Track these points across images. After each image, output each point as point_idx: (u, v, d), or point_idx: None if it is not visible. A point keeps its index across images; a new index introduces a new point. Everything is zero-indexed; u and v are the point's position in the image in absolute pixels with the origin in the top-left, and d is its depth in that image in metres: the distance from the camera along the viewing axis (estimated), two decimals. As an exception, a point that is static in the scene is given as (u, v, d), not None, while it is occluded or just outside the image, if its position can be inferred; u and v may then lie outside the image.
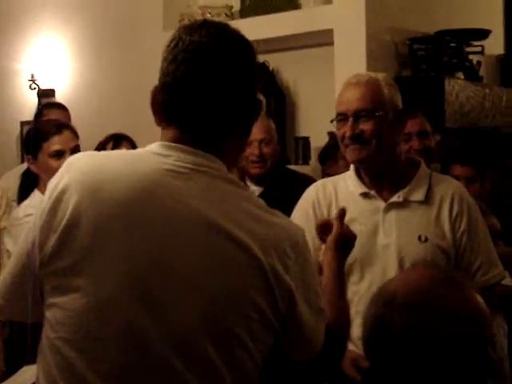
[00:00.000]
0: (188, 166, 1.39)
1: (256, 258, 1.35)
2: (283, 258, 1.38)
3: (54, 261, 1.37)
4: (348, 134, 2.19)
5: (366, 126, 2.18)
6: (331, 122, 2.28)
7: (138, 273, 1.33)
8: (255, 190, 3.48)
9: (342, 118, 2.22)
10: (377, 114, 2.18)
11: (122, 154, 1.54)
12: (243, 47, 1.43)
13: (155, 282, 1.33)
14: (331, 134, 3.26)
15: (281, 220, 1.45)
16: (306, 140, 4.26)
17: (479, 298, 1.45)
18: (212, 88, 1.40)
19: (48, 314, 1.39)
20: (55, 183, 1.41)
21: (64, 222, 1.36)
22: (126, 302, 1.33)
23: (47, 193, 1.42)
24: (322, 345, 1.50)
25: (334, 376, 2.08)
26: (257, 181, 3.48)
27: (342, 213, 1.87)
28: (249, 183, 3.52)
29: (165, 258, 1.34)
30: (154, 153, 1.42)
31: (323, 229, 1.90)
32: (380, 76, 2.26)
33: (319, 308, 1.49)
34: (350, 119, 2.19)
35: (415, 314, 1.40)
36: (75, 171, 1.41)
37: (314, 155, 4.24)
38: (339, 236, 1.83)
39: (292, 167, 3.98)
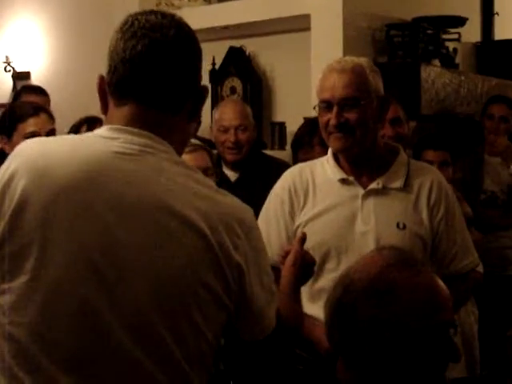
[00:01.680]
0: (135, 147, 1.41)
1: (204, 235, 1.36)
2: (232, 235, 1.40)
3: (3, 246, 1.37)
4: (333, 122, 2.16)
5: (351, 115, 2.15)
6: (314, 108, 2.26)
7: (88, 254, 1.34)
8: (231, 175, 3.49)
9: (325, 105, 2.19)
10: (362, 102, 2.15)
11: (70, 138, 1.57)
12: (192, 34, 1.49)
13: (105, 263, 1.34)
14: (305, 120, 3.25)
15: (229, 199, 1.46)
16: (282, 125, 4.26)
17: (438, 281, 1.46)
18: (169, 64, 1.44)
19: (0, 300, 1.39)
20: (4, 169, 1.42)
21: (12, 207, 1.37)
22: (77, 284, 1.34)
23: None
24: (273, 327, 1.51)
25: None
26: (233, 167, 3.48)
27: (303, 237, 1.85)
28: (225, 169, 3.52)
29: (113, 238, 1.35)
30: (101, 136, 1.44)
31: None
32: (364, 62, 2.22)
33: (271, 289, 1.51)
34: (335, 107, 2.15)
35: (374, 299, 1.42)
36: (23, 157, 1.42)
37: (290, 140, 4.24)
38: (297, 258, 1.80)
39: (268, 152, 3.98)
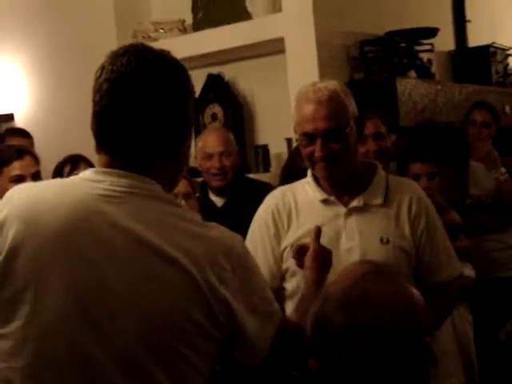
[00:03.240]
0: (121, 189, 1.44)
1: (190, 274, 1.40)
2: (218, 270, 1.43)
3: None
4: (319, 154, 2.16)
5: (336, 145, 2.16)
6: (296, 141, 2.28)
7: (78, 298, 1.37)
8: (218, 201, 3.54)
9: (308, 137, 2.18)
10: (346, 131, 2.16)
11: (57, 183, 1.60)
12: (166, 71, 1.47)
13: (95, 306, 1.37)
14: (291, 153, 3.28)
15: (215, 232, 1.49)
16: (265, 148, 4.30)
17: (412, 290, 1.49)
18: (136, 115, 1.44)
19: None
20: None
21: (4, 254, 1.40)
22: (68, 327, 1.37)
23: None
24: (268, 350, 1.53)
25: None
26: (219, 192, 3.53)
27: (318, 231, 1.93)
28: (211, 195, 3.56)
29: (102, 281, 1.38)
30: (87, 179, 1.47)
31: (300, 254, 1.98)
32: (337, 86, 2.21)
33: (267, 312, 1.53)
34: (319, 140, 2.16)
35: (348, 309, 1.45)
36: (12, 204, 1.45)
37: (273, 162, 4.29)
38: (317, 253, 1.91)
39: (253, 175, 4.03)
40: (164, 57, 1.49)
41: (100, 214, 1.41)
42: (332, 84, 2.22)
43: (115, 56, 1.47)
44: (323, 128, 2.15)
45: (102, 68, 1.47)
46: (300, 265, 2.02)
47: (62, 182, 1.60)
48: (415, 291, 1.50)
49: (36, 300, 1.38)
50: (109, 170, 1.46)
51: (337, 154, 2.18)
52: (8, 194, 1.50)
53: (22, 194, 1.48)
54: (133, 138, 1.45)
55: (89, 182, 1.46)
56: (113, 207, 1.42)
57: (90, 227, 1.40)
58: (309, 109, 2.18)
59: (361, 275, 1.50)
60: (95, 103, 1.47)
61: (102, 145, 1.48)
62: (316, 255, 1.90)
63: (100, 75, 1.46)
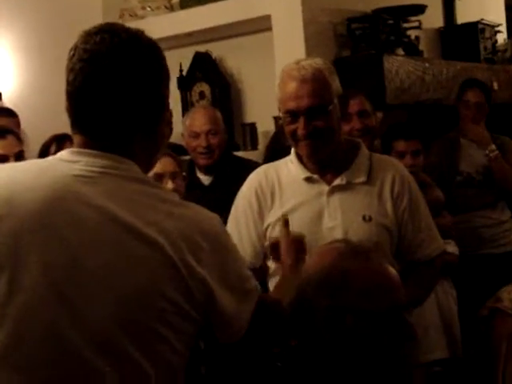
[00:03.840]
0: (96, 169, 1.43)
1: (166, 253, 1.39)
2: (194, 249, 1.43)
3: None
4: (302, 132, 2.18)
5: (319, 123, 2.17)
6: (279, 119, 2.29)
7: (54, 278, 1.37)
8: (205, 179, 3.55)
9: (291, 114, 2.19)
10: (329, 108, 2.17)
11: (34, 164, 1.58)
12: (141, 50, 1.46)
13: (71, 286, 1.37)
14: (275, 131, 3.28)
15: (192, 212, 1.49)
16: (252, 126, 4.30)
17: (387, 267, 1.52)
18: (110, 95, 1.44)
19: None
20: None
21: None
22: (44, 308, 1.37)
23: None
24: (246, 327, 1.54)
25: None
26: (206, 171, 3.54)
27: (286, 222, 1.96)
28: (198, 173, 3.57)
29: (78, 261, 1.38)
30: (63, 160, 1.47)
31: (274, 248, 2.03)
32: (321, 64, 2.21)
33: (244, 290, 1.54)
34: (302, 117, 2.17)
35: (328, 289, 1.46)
36: None
37: (261, 140, 4.29)
38: (289, 247, 1.95)
39: (241, 153, 4.04)
40: (139, 36, 1.48)
41: (75, 193, 1.41)
42: (316, 62, 2.22)
43: (88, 35, 1.46)
44: (306, 105, 2.16)
45: (75, 48, 1.46)
46: (277, 258, 2.04)
47: (40, 162, 1.59)
48: (390, 268, 1.52)
49: (12, 280, 1.37)
50: (84, 150, 1.45)
51: (320, 132, 2.19)
52: None
53: None
54: (107, 119, 1.45)
55: (65, 162, 1.46)
56: (88, 187, 1.42)
57: (65, 207, 1.40)
58: (292, 86, 2.18)
59: (337, 255, 1.51)
60: (68, 83, 1.46)
61: (76, 125, 1.48)
62: (288, 249, 1.93)
63: (73, 55, 1.45)
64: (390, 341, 1.46)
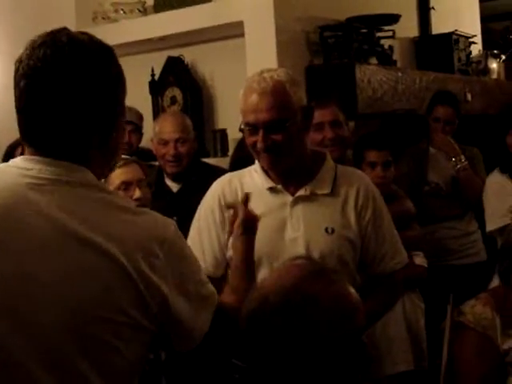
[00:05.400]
0: (48, 177, 1.41)
1: (119, 263, 1.38)
2: (149, 258, 1.41)
3: None
4: (260, 145, 2.16)
5: (277, 137, 2.15)
6: (240, 130, 2.27)
7: (2, 291, 1.35)
8: (173, 186, 3.52)
9: (251, 127, 2.18)
10: (287, 123, 2.15)
11: None
12: (86, 61, 1.42)
13: (19, 297, 1.34)
14: (240, 139, 3.25)
15: (147, 219, 1.48)
16: (223, 132, 4.27)
17: (349, 290, 1.49)
18: (55, 111, 1.41)
19: None
20: None
21: None
22: None
23: None
24: (203, 335, 1.53)
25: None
26: (174, 178, 3.51)
27: (246, 197, 1.93)
28: (167, 180, 3.54)
29: (25, 271, 1.35)
30: (16, 167, 1.44)
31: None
32: (283, 76, 2.19)
33: (201, 296, 1.53)
34: (261, 131, 2.15)
35: (287, 312, 1.44)
36: None
37: (232, 147, 4.25)
38: (244, 220, 1.91)
39: (211, 160, 4.01)
40: (85, 45, 1.44)
41: (26, 202, 1.38)
42: (279, 73, 2.20)
43: (32, 48, 1.42)
44: (264, 119, 2.14)
45: (20, 61, 1.43)
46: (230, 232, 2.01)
47: None
48: (352, 290, 1.50)
49: None
50: (38, 157, 1.43)
51: (279, 145, 2.17)
52: None
53: None
54: (56, 134, 1.42)
55: (17, 169, 1.43)
56: (39, 195, 1.39)
57: (15, 216, 1.37)
58: (252, 99, 2.16)
59: (299, 276, 1.48)
60: (15, 98, 1.44)
61: (26, 141, 1.45)
62: (243, 222, 1.90)
63: (17, 69, 1.43)
64: (346, 365, 1.44)
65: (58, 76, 1.40)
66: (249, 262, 1.87)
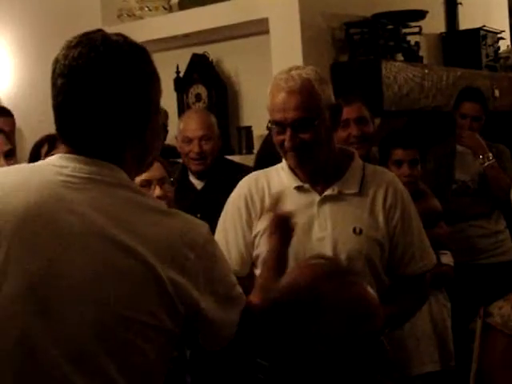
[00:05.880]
0: (83, 175, 1.43)
1: (149, 265, 1.38)
2: (180, 260, 1.42)
3: None
4: (288, 144, 2.14)
5: (305, 136, 2.13)
6: (267, 128, 2.26)
7: (32, 284, 1.36)
8: (197, 184, 3.51)
9: (278, 125, 2.16)
10: (316, 122, 2.12)
11: (25, 167, 1.61)
12: (120, 60, 1.45)
13: (49, 293, 1.36)
14: (266, 137, 3.23)
15: (178, 220, 1.48)
16: (248, 129, 4.25)
17: (366, 291, 1.48)
18: (92, 109, 1.43)
19: None
20: None
21: None
22: (20, 314, 1.35)
23: None
24: (233, 335, 1.54)
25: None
26: (198, 176, 3.50)
27: (278, 196, 1.98)
28: (191, 177, 3.53)
29: (57, 269, 1.36)
30: (52, 165, 1.46)
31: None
32: (311, 74, 2.15)
33: (231, 298, 1.54)
34: (289, 129, 2.13)
35: (303, 313, 1.43)
36: None
37: (257, 144, 4.24)
38: (277, 219, 1.94)
39: (236, 157, 3.99)
40: (119, 46, 1.46)
41: (59, 200, 1.40)
42: (307, 71, 2.17)
43: (68, 48, 1.45)
44: (292, 118, 2.12)
45: (56, 62, 1.45)
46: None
47: (29, 166, 1.59)
48: (370, 292, 1.48)
49: None
50: (73, 156, 1.45)
51: (307, 144, 2.14)
52: None
53: None
54: (93, 132, 1.44)
55: (53, 167, 1.45)
56: (74, 194, 1.41)
57: (48, 213, 1.39)
58: (279, 98, 2.14)
59: (314, 278, 1.47)
60: (53, 97, 1.46)
61: (63, 138, 1.47)
62: (276, 222, 1.93)
63: (54, 69, 1.45)
64: (362, 365, 1.42)
65: (93, 75, 1.42)
66: (280, 261, 1.87)
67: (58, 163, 1.45)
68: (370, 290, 1.49)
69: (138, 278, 1.38)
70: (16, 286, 1.35)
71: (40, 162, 1.54)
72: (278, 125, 2.16)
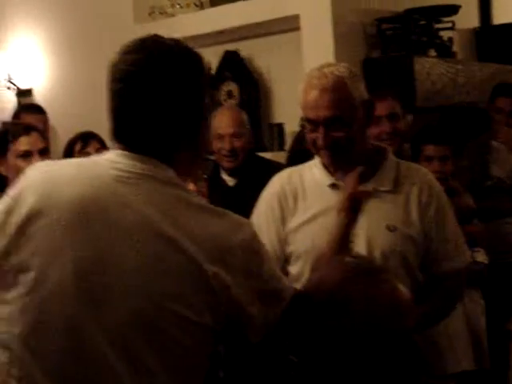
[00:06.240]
0: (137, 171, 1.47)
1: (196, 262, 1.41)
2: (226, 259, 1.44)
3: (6, 258, 1.46)
4: (321, 143, 2.13)
5: (338, 134, 2.11)
6: (300, 126, 2.24)
7: (80, 273, 1.40)
8: (229, 180, 3.51)
9: (311, 123, 2.14)
10: (348, 120, 2.11)
11: (77, 161, 1.68)
12: (176, 67, 1.49)
13: (96, 281, 1.40)
14: (298, 133, 3.22)
15: (226, 220, 1.50)
16: (280, 126, 4.25)
17: (397, 291, 1.47)
18: (147, 113, 1.47)
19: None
20: (14, 188, 1.51)
21: (18, 223, 1.45)
22: (68, 299, 1.40)
23: (5, 197, 1.51)
24: (273, 326, 1.54)
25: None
26: (230, 173, 3.49)
27: (357, 174, 2.00)
28: (223, 174, 3.53)
29: (108, 258, 1.41)
30: (106, 160, 1.51)
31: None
32: (344, 72, 2.13)
33: (273, 293, 1.54)
34: (321, 128, 2.11)
35: (334, 311, 1.43)
36: (31, 178, 1.52)
37: (288, 141, 4.24)
38: (350, 197, 1.99)
39: (268, 154, 3.99)
40: (173, 50, 1.51)
41: (113, 193, 1.44)
42: (339, 69, 2.15)
43: (124, 53, 1.50)
44: (325, 116, 2.10)
45: (113, 66, 1.50)
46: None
47: (83, 160, 1.66)
48: (400, 292, 1.47)
49: (41, 270, 1.41)
50: (127, 152, 1.49)
51: (340, 143, 2.13)
52: (29, 169, 1.55)
53: (39, 169, 1.54)
54: (147, 133, 1.48)
55: (108, 162, 1.50)
56: (126, 188, 1.45)
57: (101, 205, 1.43)
58: (312, 95, 2.12)
59: (345, 276, 1.46)
60: (108, 100, 1.51)
61: (117, 139, 1.52)
62: (350, 200, 1.96)
63: (111, 74, 1.50)
64: (394, 364, 1.41)
65: (149, 79, 1.47)
66: (342, 241, 1.90)
67: (112, 159, 1.50)
68: (402, 287, 1.47)
69: (185, 273, 1.41)
70: (67, 273, 1.40)
71: (95, 157, 1.59)
72: (310, 123, 2.15)
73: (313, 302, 1.48)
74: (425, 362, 1.49)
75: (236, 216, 1.54)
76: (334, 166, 2.22)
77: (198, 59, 1.54)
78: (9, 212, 1.47)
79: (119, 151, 1.50)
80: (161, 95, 1.46)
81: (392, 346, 1.41)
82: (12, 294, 1.45)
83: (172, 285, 1.40)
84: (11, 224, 1.46)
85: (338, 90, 2.10)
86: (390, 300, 1.44)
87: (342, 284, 1.45)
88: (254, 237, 1.53)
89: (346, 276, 1.47)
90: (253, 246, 1.51)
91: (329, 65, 2.19)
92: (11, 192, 1.51)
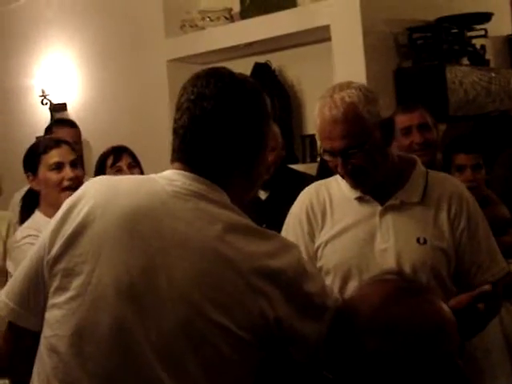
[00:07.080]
0: (192, 189, 1.53)
1: (246, 279, 1.45)
2: (274, 280, 1.47)
3: (58, 262, 1.52)
4: (341, 171, 2.12)
5: (357, 161, 2.08)
6: (319, 154, 2.22)
7: (131, 278, 1.45)
8: (261, 194, 3.50)
9: (328, 153, 2.12)
10: (365, 146, 2.07)
11: (135, 177, 1.79)
12: (243, 94, 1.57)
13: (145, 289, 1.45)
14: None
15: (276, 242, 1.54)
16: (312, 138, 4.23)
17: (442, 311, 1.43)
18: (212, 135, 1.55)
19: (48, 315, 1.53)
20: (71, 196, 1.60)
21: (73, 227, 1.52)
22: (115, 305, 1.45)
23: (64, 204, 1.59)
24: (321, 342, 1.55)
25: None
26: (263, 186, 3.48)
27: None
28: (255, 188, 3.52)
29: (158, 267, 1.45)
30: (164, 178, 1.58)
31: None
32: (354, 96, 2.07)
33: (319, 311, 1.55)
34: (339, 158, 2.09)
35: (377, 332, 1.40)
36: (89, 188, 1.60)
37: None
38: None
39: (300, 166, 3.97)
40: (242, 81, 1.60)
41: (167, 206, 1.50)
42: (349, 94, 2.08)
43: (197, 77, 1.59)
44: (339, 147, 2.08)
45: (185, 88, 1.59)
46: None
47: (143, 177, 1.73)
48: (445, 311, 1.43)
49: (91, 275, 1.47)
50: (184, 172, 1.56)
51: (360, 168, 2.10)
52: (89, 180, 1.65)
53: (98, 181, 1.63)
54: (207, 155, 1.55)
55: (165, 180, 1.56)
56: (181, 203, 1.51)
57: (154, 216, 1.49)
58: (324, 127, 2.10)
59: (388, 295, 1.43)
60: (175, 120, 1.59)
61: (178, 158, 1.58)
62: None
63: (182, 94, 1.59)
64: None
65: (218, 103, 1.55)
66: None
67: (170, 177, 1.56)
68: (446, 308, 1.44)
69: (233, 288, 1.44)
70: (117, 279, 1.45)
71: (153, 175, 1.64)
72: (327, 152, 2.13)
73: (352, 321, 1.45)
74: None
75: (284, 239, 1.62)
76: (359, 189, 2.21)
77: (262, 94, 1.63)
78: (64, 219, 1.54)
79: (177, 170, 1.56)
80: (226, 119, 1.53)
81: (435, 368, 1.37)
82: (61, 299, 1.50)
83: (219, 297, 1.44)
84: (65, 231, 1.52)
85: (349, 120, 2.06)
86: (435, 322, 1.41)
87: (387, 302, 1.42)
88: (301, 260, 1.57)
89: (390, 293, 1.44)
90: (299, 269, 1.53)
91: (340, 88, 2.12)
92: (69, 200, 1.58)
